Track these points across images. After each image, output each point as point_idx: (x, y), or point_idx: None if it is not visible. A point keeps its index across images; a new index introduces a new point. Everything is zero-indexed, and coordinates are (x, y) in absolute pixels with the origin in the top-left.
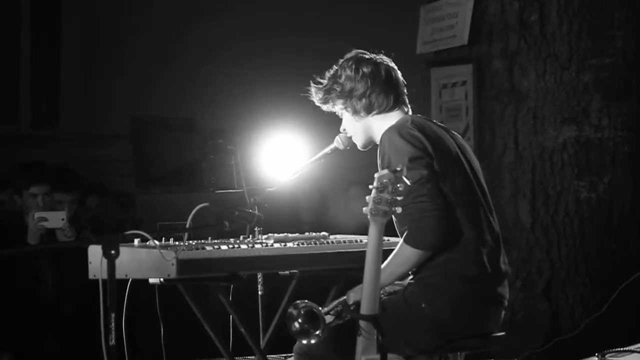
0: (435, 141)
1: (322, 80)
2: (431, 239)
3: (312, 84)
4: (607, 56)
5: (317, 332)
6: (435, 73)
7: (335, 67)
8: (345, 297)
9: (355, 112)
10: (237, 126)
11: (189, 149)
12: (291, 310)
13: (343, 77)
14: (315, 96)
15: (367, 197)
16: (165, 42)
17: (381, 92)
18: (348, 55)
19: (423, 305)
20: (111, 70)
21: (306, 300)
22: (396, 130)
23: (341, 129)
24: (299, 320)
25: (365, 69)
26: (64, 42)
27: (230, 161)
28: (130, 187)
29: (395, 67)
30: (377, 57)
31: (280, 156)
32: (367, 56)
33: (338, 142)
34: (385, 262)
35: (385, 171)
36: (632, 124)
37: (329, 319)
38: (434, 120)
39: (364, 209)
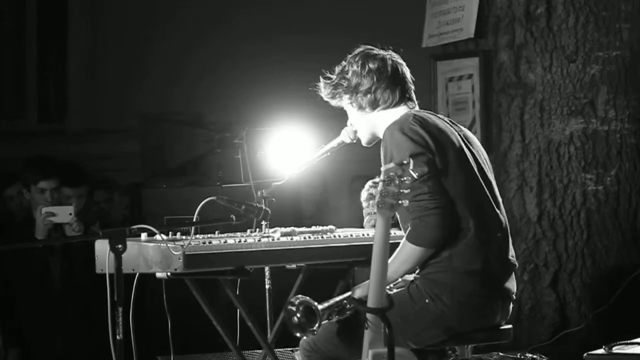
0: (438, 136)
1: (330, 75)
2: (433, 236)
3: (321, 79)
4: (613, 49)
5: (313, 328)
6: (441, 66)
7: (343, 63)
8: (349, 293)
9: (361, 107)
10: (243, 120)
11: (195, 143)
12: (289, 305)
13: (350, 73)
14: (324, 91)
15: (373, 190)
16: (172, 37)
17: (387, 88)
18: (356, 51)
19: (427, 300)
20: (118, 65)
21: (305, 296)
22: (398, 126)
23: (348, 123)
24: (297, 315)
25: (371, 65)
26: (70, 36)
27: (237, 155)
28: (138, 181)
29: (403, 63)
30: (385, 52)
31: (287, 150)
32: (374, 52)
33: (345, 136)
34: (389, 259)
35: (392, 164)
36: (639, 116)
37: (329, 314)
38: (439, 114)
39: (370, 201)
